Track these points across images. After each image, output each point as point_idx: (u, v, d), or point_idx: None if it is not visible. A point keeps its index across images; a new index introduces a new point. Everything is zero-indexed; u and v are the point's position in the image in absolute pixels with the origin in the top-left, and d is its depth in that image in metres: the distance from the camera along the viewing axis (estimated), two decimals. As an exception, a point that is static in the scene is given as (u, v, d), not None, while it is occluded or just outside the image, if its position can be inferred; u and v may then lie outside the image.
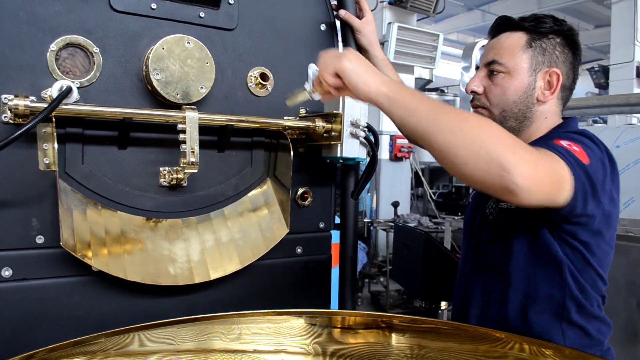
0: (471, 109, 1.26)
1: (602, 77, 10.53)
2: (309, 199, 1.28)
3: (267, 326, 1.05)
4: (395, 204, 5.63)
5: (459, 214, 3.93)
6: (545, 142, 1.04)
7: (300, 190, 1.27)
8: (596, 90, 10.84)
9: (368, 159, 1.27)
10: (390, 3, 6.03)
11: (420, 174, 6.63)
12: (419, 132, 0.92)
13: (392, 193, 6.25)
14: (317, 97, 1.04)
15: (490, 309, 1.22)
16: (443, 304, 3.17)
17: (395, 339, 1.12)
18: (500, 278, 1.20)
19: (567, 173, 0.94)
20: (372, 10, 1.42)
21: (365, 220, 5.79)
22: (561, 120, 1.22)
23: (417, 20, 6.47)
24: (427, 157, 7.32)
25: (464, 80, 6.80)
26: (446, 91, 7.49)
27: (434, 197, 4.13)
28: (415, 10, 6.08)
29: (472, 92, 1.21)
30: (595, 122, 10.25)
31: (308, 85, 1.03)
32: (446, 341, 1.11)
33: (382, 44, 5.82)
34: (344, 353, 1.12)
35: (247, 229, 1.17)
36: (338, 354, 1.12)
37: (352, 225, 1.32)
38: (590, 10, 12.41)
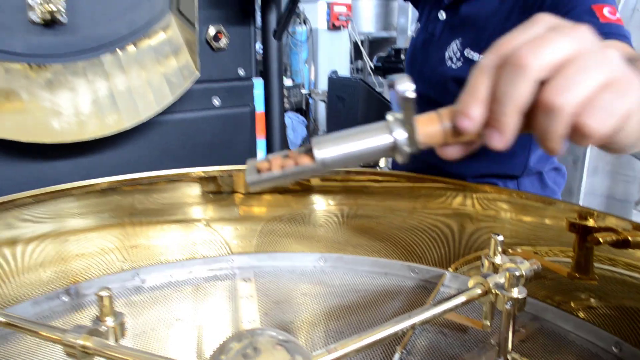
0: None
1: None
2: (224, 40, 1.08)
3: (172, 190, 0.92)
4: (333, 73, 5.44)
5: (399, 77, 3.79)
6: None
7: (213, 30, 1.06)
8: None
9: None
10: None
11: (360, 44, 6.37)
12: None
13: (330, 64, 6.02)
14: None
15: (437, 163, 1.12)
16: (382, 161, 3.10)
17: (323, 199, 1.03)
18: None
19: None
20: None
21: (303, 91, 5.59)
22: None
23: None
24: (366, 26, 7.01)
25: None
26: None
27: (373, 64, 3.97)
28: None
29: None
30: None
31: (398, 130, 0.38)
32: (380, 200, 1.03)
33: None
34: (275, 216, 1.02)
35: (148, 75, 0.97)
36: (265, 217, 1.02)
37: (277, 73, 1.15)
38: None
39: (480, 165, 1.06)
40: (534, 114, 0.37)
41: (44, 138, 0.86)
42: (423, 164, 1.14)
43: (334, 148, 0.38)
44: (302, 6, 5.54)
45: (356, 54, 6.68)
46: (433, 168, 1.10)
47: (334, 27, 6.22)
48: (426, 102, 1.14)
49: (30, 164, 0.92)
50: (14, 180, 0.90)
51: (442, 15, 1.05)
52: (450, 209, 0.90)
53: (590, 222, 0.75)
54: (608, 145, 0.46)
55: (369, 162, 0.41)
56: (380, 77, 3.68)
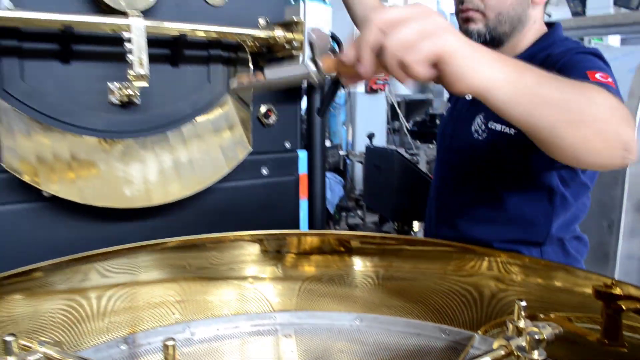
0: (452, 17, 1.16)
1: (579, 5, 10.34)
2: (273, 117, 1.22)
3: (222, 250, 1.01)
4: (371, 135, 5.58)
5: (434, 141, 3.92)
6: (571, 67, 0.95)
7: (263, 108, 1.20)
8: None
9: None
10: None
11: (397, 106, 6.55)
12: (547, 128, 0.67)
13: (368, 126, 6.18)
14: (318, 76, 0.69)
15: (466, 228, 1.19)
16: (416, 225, 3.21)
17: (360, 261, 1.09)
18: (482, 198, 1.16)
19: None
20: None
21: (341, 152, 5.75)
22: (545, 27, 1.15)
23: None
24: (403, 89, 7.21)
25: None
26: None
27: (409, 128, 4.12)
28: None
29: None
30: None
31: (309, 64, 0.68)
32: (414, 263, 1.08)
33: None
34: (313, 276, 1.08)
35: (207, 149, 1.11)
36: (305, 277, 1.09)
37: (320, 145, 1.27)
38: None
39: (506, 231, 1.12)
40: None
41: (117, 203, 0.99)
42: (454, 230, 1.21)
43: (275, 72, 0.68)
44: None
45: (393, 114, 6.85)
46: (462, 234, 1.17)
47: (371, 90, 6.43)
48: (455, 170, 1.23)
49: (104, 225, 1.05)
50: (89, 239, 1.02)
51: (469, 95, 1.16)
52: (479, 274, 0.96)
53: (617, 290, 0.79)
54: (501, 108, 0.63)
55: (297, 83, 0.73)
56: (418, 141, 3.81)
